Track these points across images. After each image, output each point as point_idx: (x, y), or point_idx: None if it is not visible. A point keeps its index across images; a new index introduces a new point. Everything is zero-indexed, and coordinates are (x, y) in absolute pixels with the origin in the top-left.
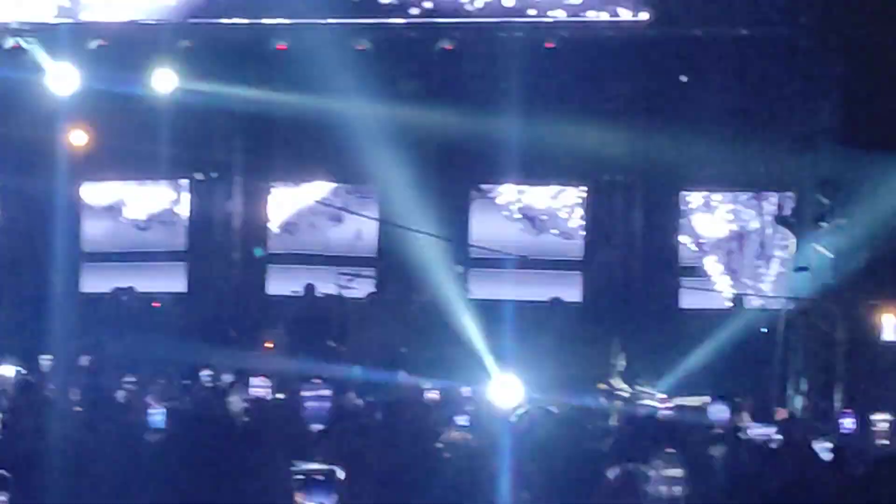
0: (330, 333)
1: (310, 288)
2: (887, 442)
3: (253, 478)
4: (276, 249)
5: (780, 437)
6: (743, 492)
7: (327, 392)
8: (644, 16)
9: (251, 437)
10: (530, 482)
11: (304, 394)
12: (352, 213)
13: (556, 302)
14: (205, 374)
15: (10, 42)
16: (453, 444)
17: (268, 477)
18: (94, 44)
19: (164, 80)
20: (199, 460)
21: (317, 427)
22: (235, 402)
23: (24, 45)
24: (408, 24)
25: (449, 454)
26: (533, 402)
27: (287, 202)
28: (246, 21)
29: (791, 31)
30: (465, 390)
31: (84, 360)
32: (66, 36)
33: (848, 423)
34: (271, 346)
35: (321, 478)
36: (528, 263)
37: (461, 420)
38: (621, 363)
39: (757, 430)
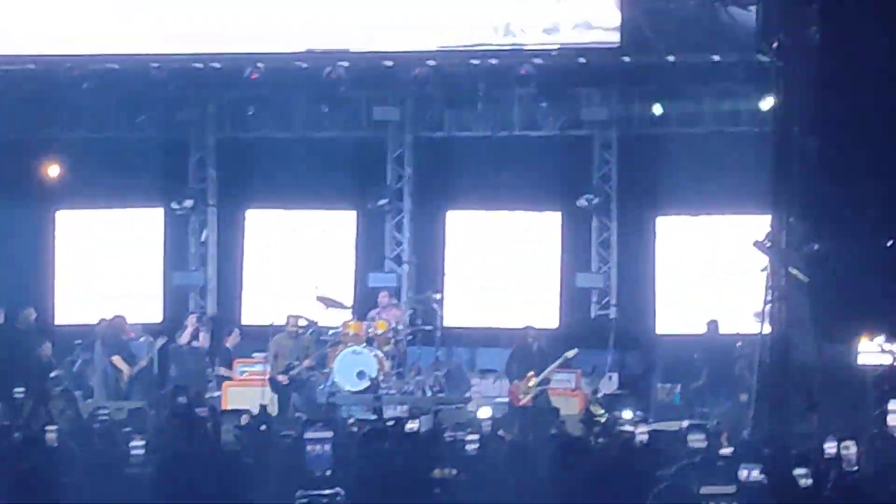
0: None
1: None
2: (857, 468)
3: None
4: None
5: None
6: None
7: (329, 434)
8: (614, 37)
9: (249, 469)
10: None
11: (308, 436)
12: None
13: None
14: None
15: None
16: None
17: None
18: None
19: None
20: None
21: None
22: (226, 432)
23: None
24: (382, 53)
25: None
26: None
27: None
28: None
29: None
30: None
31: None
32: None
33: (828, 449)
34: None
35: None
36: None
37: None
38: (599, 389)
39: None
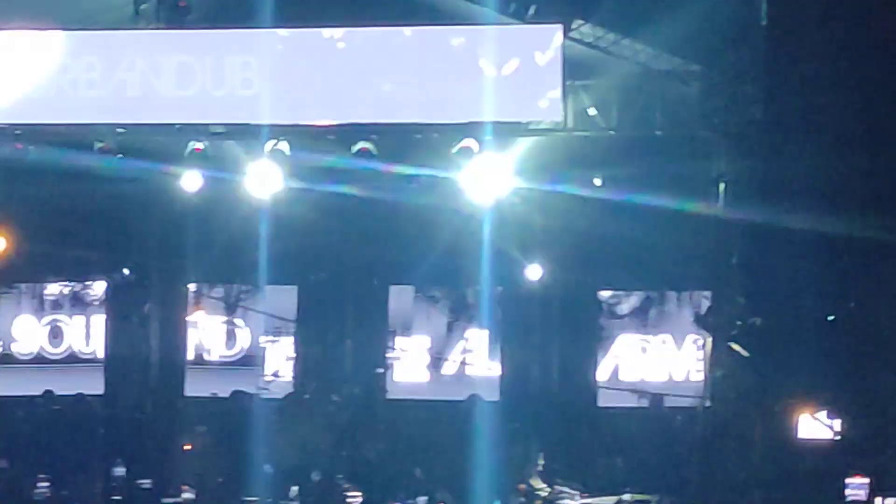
0: (249, 435)
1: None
2: None
3: None
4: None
5: None
6: None
7: None
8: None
9: None
10: None
11: None
12: (268, 314)
13: (473, 399)
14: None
15: None
16: None
17: None
18: None
19: None
20: None
21: None
22: None
23: None
24: (327, 126)
25: None
26: None
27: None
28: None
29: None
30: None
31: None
32: None
33: None
34: (190, 447)
35: None
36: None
37: None
38: (540, 462)
39: None
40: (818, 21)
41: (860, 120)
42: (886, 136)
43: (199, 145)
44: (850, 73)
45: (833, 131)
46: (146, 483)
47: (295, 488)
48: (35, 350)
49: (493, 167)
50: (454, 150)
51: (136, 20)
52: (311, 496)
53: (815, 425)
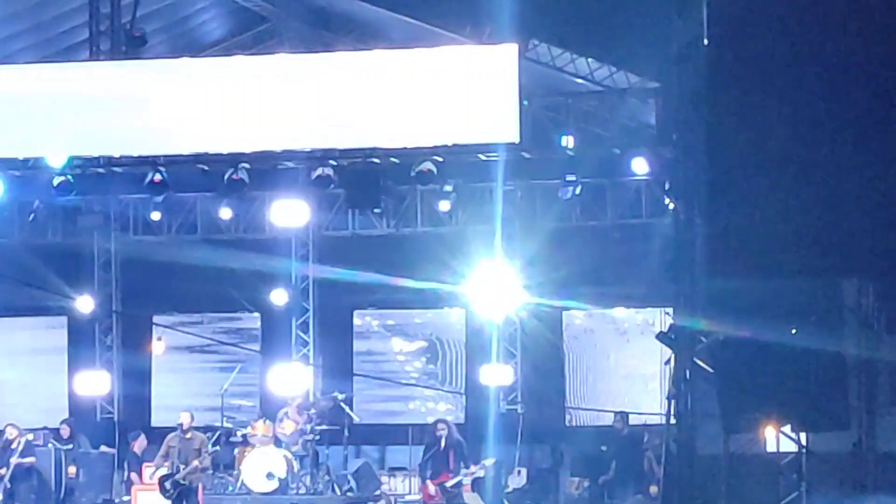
0: None
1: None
2: None
3: None
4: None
5: None
6: None
7: None
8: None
9: None
10: None
11: None
12: (230, 344)
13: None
14: None
15: None
16: None
17: None
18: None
19: None
20: None
21: None
22: None
23: None
24: (283, 153)
25: None
26: None
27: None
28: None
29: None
30: None
31: None
32: None
33: None
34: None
35: None
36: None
37: None
38: (508, 484)
39: None
40: (760, 40)
41: (805, 141)
42: (828, 155)
43: (157, 176)
44: (793, 94)
45: (780, 156)
46: None
47: None
48: None
49: None
50: (413, 173)
51: (93, 51)
52: None
53: (782, 439)
